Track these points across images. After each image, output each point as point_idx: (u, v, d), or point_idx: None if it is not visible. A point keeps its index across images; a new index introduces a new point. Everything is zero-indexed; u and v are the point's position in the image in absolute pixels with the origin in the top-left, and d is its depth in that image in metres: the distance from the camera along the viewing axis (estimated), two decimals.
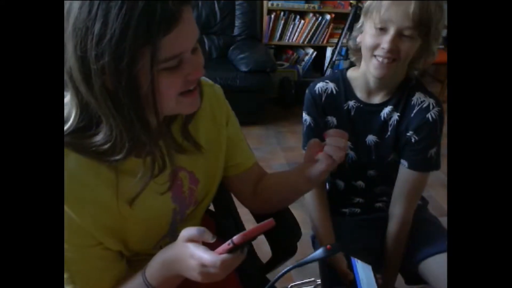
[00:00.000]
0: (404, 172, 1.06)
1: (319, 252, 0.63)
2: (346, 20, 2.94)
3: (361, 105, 1.06)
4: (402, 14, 0.89)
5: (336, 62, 3.28)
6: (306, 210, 1.15)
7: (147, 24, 0.55)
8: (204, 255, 0.60)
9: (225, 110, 0.87)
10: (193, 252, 0.61)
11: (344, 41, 3.01)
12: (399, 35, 0.91)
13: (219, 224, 1.07)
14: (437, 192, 2.31)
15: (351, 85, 1.07)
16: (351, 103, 1.07)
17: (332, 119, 1.09)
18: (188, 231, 0.63)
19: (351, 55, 1.08)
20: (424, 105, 1.02)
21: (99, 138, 0.62)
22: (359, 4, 2.86)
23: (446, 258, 1.03)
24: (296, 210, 1.00)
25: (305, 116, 1.11)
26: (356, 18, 2.89)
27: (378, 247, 1.15)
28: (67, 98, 0.63)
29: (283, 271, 0.63)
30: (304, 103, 1.11)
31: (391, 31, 0.91)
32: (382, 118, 1.05)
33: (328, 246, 0.63)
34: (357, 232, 1.18)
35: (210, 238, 0.62)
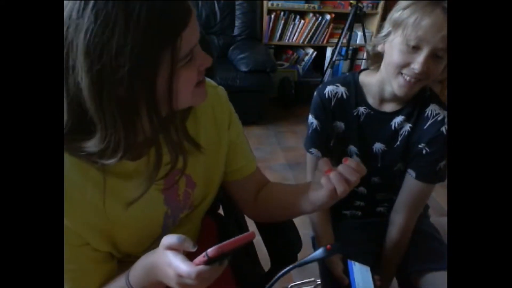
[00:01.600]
0: (411, 182, 1.04)
1: (319, 252, 0.64)
2: (346, 20, 2.93)
3: (372, 112, 1.03)
4: (438, 35, 0.83)
5: (336, 62, 3.29)
6: None
7: (168, 24, 0.54)
8: (180, 265, 0.58)
9: (227, 113, 0.84)
10: (170, 261, 0.59)
11: (344, 41, 3.01)
12: (431, 55, 0.86)
13: (223, 226, 1.04)
14: (437, 192, 2.30)
15: (363, 90, 1.03)
16: (361, 109, 1.03)
17: (340, 124, 1.06)
18: (168, 239, 0.60)
19: (368, 61, 1.03)
20: (439, 118, 0.98)
21: (91, 143, 0.60)
22: (359, 4, 2.86)
23: (445, 276, 1.02)
24: None
25: (311, 119, 1.07)
26: (356, 18, 2.89)
27: (377, 250, 1.15)
28: None
29: (283, 271, 0.63)
30: (311, 105, 1.07)
31: (425, 52, 0.86)
32: (393, 127, 1.02)
33: (328, 246, 0.63)
34: (357, 234, 1.17)
35: (190, 246, 0.59)
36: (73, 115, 0.59)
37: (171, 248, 0.60)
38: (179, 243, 0.59)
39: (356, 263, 0.98)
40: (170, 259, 0.59)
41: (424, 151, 1.00)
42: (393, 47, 0.90)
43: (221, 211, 1.16)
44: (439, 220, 1.94)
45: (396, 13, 0.90)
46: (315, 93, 1.07)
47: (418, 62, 0.86)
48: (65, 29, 0.54)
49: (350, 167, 0.70)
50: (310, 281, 1.59)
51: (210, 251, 0.56)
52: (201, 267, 0.57)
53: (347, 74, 1.08)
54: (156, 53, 0.55)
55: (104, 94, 0.55)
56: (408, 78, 0.89)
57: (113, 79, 0.54)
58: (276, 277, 0.64)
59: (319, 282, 1.16)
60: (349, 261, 0.98)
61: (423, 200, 1.09)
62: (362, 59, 3.51)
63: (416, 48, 0.87)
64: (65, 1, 0.54)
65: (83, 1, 0.52)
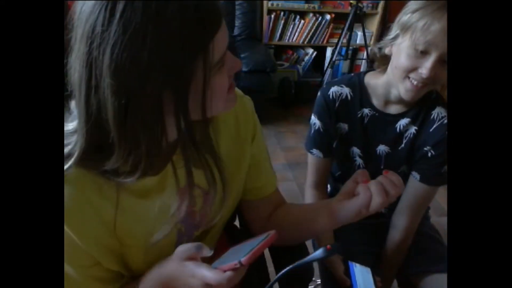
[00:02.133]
0: (415, 185, 1.03)
1: (319, 252, 0.63)
2: (346, 20, 2.93)
3: (376, 114, 1.01)
4: (446, 39, 0.82)
5: (336, 62, 3.28)
6: None
7: (201, 29, 0.50)
8: (208, 274, 0.56)
9: (251, 124, 0.78)
10: (194, 271, 0.57)
11: (344, 41, 3.01)
12: (440, 61, 0.84)
13: (231, 233, 1.01)
14: (437, 192, 2.30)
15: (368, 91, 1.01)
16: (366, 110, 1.02)
17: (343, 126, 1.05)
18: (184, 249, 0.58)
19: (376, 63, 1.01)
20: (445, 121, 0.97)
21: (109, 162, 0.56)
22: (359, 4, 2.86)
23: (445, 279, 1.02)
24: None
25: (314, 119, 1.06)
26: (356, 18, 2.89)
27: (377, 251, 1.15)
28: (73, 125, 0.57)
29: (283, 271, 0.63)
30: (315, 105, 1.06)
31: (433, 57, 0.84)
32: (398, 130, 1.01)
33: (328, 246, 0.63)
34: (357, 235, 1.17)
35: (207, 252, 0.58)
36: (91, 137, 0.54)
37: (189, 258, 0.58)
38: (197, 251, 0.58)
39: (357, 265, 0.97)
40: (193, 269, 0.57)
41: (429, 154, 0.99)
42: (401, 51, 0.89)
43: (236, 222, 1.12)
44: (439, 220, 1.94)
45: (405, 16, 0.88)
46: (319, 94, 1.06)
47: (426, 67, 0.85)
48: (87, 44, 0.49)
49: (392, 180, 0.68)
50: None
51: (245, 259, 0.55)
52: (230, 273, 0.56)
53: (352, 74, 1.06)
54: (190, 62, 0.50)
55: (129, 113, 0.51)
56: (415, 83, 0.88)
57: (142, 96, 0.50)
58: (276, 277, 0.64)
59: (319, 282, 1.15)
60: (350, 262, 0.97)
61: (426, 203, 1.09)
62: (362, 59, 3.50)
63: (424, 53, 0.85)
64: (85, 12, 0.49)
65: (108, 11, 0.47)
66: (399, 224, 1.08)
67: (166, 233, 0.72)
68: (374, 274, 0.97)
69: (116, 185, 0.61)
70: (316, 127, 1.06)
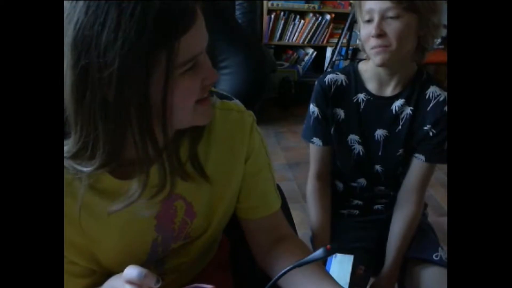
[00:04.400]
0: (419, 166, 1.06)
1: (319, 252, 0.63)
2: (346, 20, 2.93)
3: (372, 98, 1.05)
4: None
5: (336, 62, 3.28)
6: (305, 210, 1.15)
7: (165, 24, 0.50)
8: None
9: (248, 142, 0.74)
10: None
11: (344, 41, 3.01)
12: (383, 19, 0.90)
13: (236, 250, 0.97)
14: (437, 192, 2.31)
15: (362, 77, 1.06)
16: (361, 96, 1.05)
17: (340, 112, 1.08)
18: (129, 271, 0.54)
19: (361, 53, 1.09)
20: (441, 99, 1.01)
21: (70, 145, 0.56)
22: None
23: (437, 271, 1.04)
24: (295, 210, 0.99)
25: (312, 107, 1.09)
26: (356, 18, 2.88)
27: (374, 248, 1.15)
28: None
29: (283, 271, 0.63)
30: (312, 94, 1.10)
31: (375, 18, 0.91)
32: (394, 111, 1.04)
33: (328, 246, 0.63)
34: (355, 233, 1.17)
35: (152, 282, 0.53)
36: None
37: (130, 282, 0.54)
38: (139, 279, 0.53)
39: (338, 254, 0.97)
40: None
41: (430, 133, 1.02)
42: (361, 30, 0.97)
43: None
44: (439, 220, 1.94)
45: (352, 4, 1.01)
46: (316, 82, 1.10)
47: (372, 28, 0.91)
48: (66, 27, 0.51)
49: None
50: None
51: None
52: None
53: (347, 65, 1.14)
54: (149, 53, 0.50)
55: (88, 94, 0.51)
56: (375, 49, 0.93)
57: (99, 78, 0.50)
58: (276, 277, 0.64)
59: None
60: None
61: (429, 181, 1.11)
62: (362, 59, 3.49)
63: (370, 22, 0.92)
64: None
65: None
66: (406, 209, 1.09)
67: (139, 240, 0.70)
68: (357, 262, 0.96)
69: (80, 180, 0.60)
70: (315, 115, 1.09)
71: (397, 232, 1.10)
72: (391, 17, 0.90)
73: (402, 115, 1.04)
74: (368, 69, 1.05)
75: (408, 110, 1.03)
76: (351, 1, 3.01)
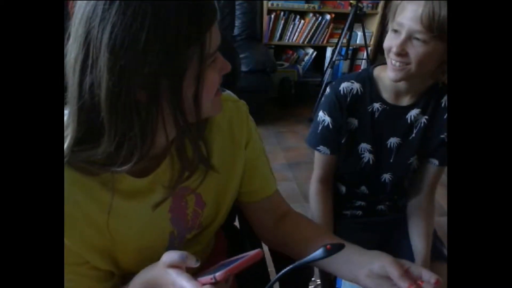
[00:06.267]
0: (434, 170, 1.09)
1: (319, 252, 0.63)
2: (346, 20, 2.93)
3: (387, 107, 1.02)
4: (413, 17, 0.85)
5: (336, 62, 3.28)
6: (305, 210, 1.15)
7: (198, 18, 0.52)
8: (186, 285, 0.55)
9: (246, 130, 0.78)
10: (174, 280, 0.56)
11: (344, 41, 3.01)
12: (410, 38, 0.87)
13: (235, 239, 1.00)
14: (437, 192, 2.30)
15: (378, 85, 1.03)
16: (376, 105, 1.03)
17: (353, 121, 1.05)
18: (169, 256, 0.57)
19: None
20: None
21: (100, 150, 0.57)
22: (359, 4, 2.86)
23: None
24: (296, 210, 0.99)
25: (323, 116, 1.06)
26: (356, 18, 2.88)
27: (377, 249, 1.14)
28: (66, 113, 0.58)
29: (283, 271, 0.63)
30: (323, 101, 1.07)
31: (402, 35, 0.88)
32: (409, 121, 1.03)
33: (328, 246, 0.63)
34: (358, 234, 1.17)
35: (193, 263, 0.57)
36: (84, 123, 0.56)
37: (173, 266, 0.57)
38: (181, 260, 0.57)
39: (347, 282, 0.97)
40: (173, 277, 0.57)
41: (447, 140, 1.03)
42: (387, 35, 0.94)
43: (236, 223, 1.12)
44: (439, 220, 1.94)
45: (392, 3, 0.94)
46: (328, 89, 1.06)
47: (395, 44, 0.89)
48: (86, 25, 0.51)
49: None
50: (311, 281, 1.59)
51: (219, 275, 0.55)
52: (207, 287, 0.56)
53: (361, 70, 1.10)
54: (186, 48, 0.52)
55: (123, 94, 0.52)
56: (393, 62, 0.91)
57: (136, 79, 0.51)
58: (276, 277, 0.64)
59: (319, 282, 1.15)
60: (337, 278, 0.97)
61: (438, 181, 1.15)
62: (362, 59, 3.50)
63: (397, 33, 0.89)
64: (86, 1, 0.52)
65: None
66: (425, 210, 1.13)
67: (158, 235, 0.72)
68: None
69: (109, 189, 0.62)
70: (325, 124, 1.06)
71: (424, 233, 1.11)
72: (416, 39, 0.87)
73: (417, 124, 1.03)
74: (385, 77, 1.00)
75: (423, 119, 1.03)
76: (351, 1, 3.00)
